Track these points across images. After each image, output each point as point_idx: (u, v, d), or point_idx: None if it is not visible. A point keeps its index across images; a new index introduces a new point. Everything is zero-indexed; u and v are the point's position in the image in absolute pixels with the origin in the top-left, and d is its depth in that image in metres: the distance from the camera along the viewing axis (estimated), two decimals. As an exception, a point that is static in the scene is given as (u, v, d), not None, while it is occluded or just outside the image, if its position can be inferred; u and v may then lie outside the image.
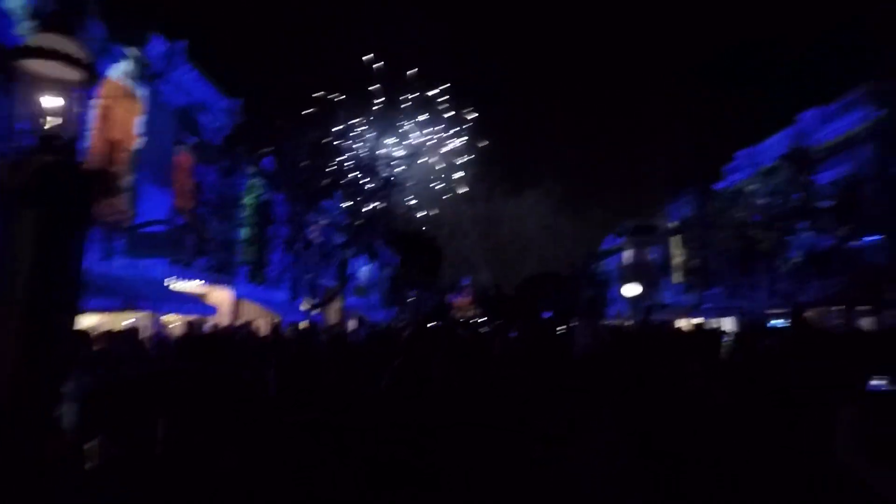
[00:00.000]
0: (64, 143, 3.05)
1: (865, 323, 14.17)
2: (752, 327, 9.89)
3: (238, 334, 9.33)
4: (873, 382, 2.08)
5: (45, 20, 3.16)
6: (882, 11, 19.32)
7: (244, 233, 16.81)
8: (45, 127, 2.89)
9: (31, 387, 2.38)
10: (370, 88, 16.45)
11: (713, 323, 22.85)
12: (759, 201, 19.06)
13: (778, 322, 16.94)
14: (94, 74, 3.42)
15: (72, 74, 3.16)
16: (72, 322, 2.74)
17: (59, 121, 2.99)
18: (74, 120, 3.13)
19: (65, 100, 3.07)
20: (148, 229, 11.91)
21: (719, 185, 26.23)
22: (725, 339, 6.79)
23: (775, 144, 23.68)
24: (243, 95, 18.62)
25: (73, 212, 2.81)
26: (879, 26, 19.36)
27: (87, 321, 9.97)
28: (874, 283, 15.12)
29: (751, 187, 20.12)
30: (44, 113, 2.99)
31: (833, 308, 16.76)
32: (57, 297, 2.64)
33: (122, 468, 2.92)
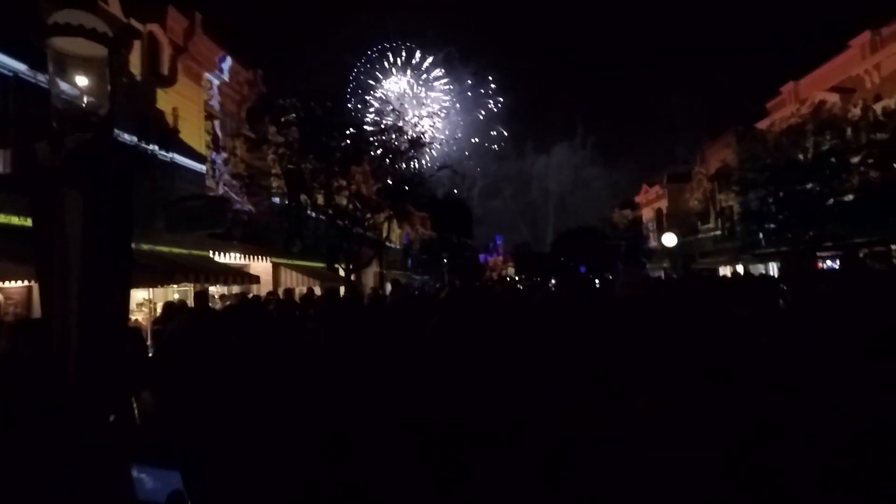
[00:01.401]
0: (98, 119, 3.05)
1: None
2: (802, 271, 9.49)
3: (280, 302, 9.56)
4: None
5: (66, -4, 3.11)
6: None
7: (278, 202, 17.03)
8: (78, 104, 2.88)
9: (93, 363, 2.45)
10: (393, 50, 16.01)
11: (759, 268, 22.12)
12: (808, 137, 17.93)
13: (830, 265, 16.24)
14: (118, 50, 3.39)
15: (98, 50, 3.13)
16: (126, 296, 2.80)
17: (91, 99, 2.98)
18: (105, 96, 3.12)
19: (94, 76, 3.06)
20: (185, 204, 12.17)
21: (763, 124, 24.83)
22: (774, 285, 6.53)
23: (824, 75, 22.09)
24: (263, 66, 18.51)
25: (115, 188, 2.83)
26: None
27: (137, 295, 10.39)
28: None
29: (798, 123, 18.91)
30: (75, 91, 2.98)
31: (892, 247, 15.89)
32: (110, 273, 2.70)
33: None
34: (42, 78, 8.69)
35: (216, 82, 16.51)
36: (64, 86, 3.02)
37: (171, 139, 13.81)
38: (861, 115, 18.10)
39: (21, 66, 9.11)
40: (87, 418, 2.16)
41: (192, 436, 2.84)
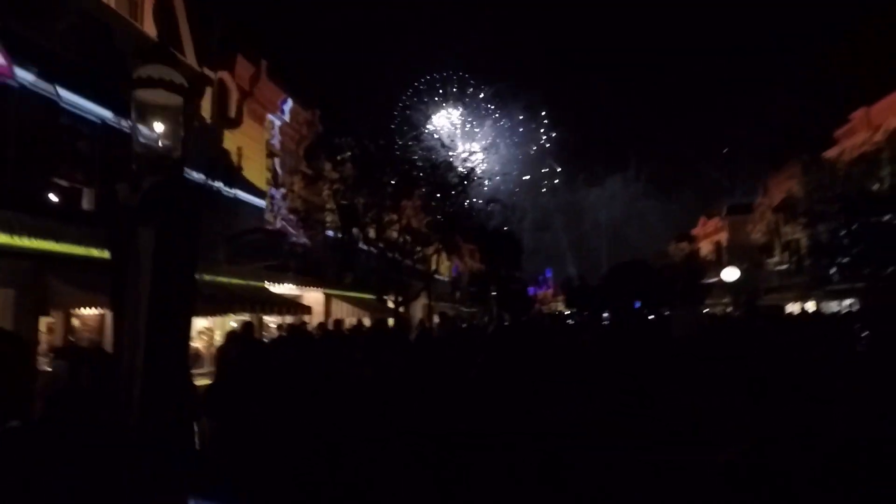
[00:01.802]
0: (172, 162, 3.30)
1: None
2: (883, 310, 8.78)
3: (331, 334, 9.76)
4: None
5: (149, 53, 3.43)
6: None
7: (332, 235, 17.60)
8: (155, 148, 3.13)
9: (159, 388, 2.58)
10: (444, 84, 16.49)
11: (832, 306, 20.60)
12: (884, 166, 16.84)
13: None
14: (192, 98, 3.68)
15: (174, 100, 3.43)
16: (188, 325, 2.95)
17: (167, 142, 3.24)
18: (179, 140, 3.39)
19: (170, 123, 3.33)
20: (245, 237, 12.77)
21: (831, 153, 23.56)
22: (851, 324, 6.06)
23: (899, 101, 20.82)
24: (321, 106, 19.51)
25: (184, 225, 3.04)
26: None
27: (197, 324, 10.88)
28: None
29: (871, 150, 17.83)
30: (153, 135, 3.25)
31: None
32: (175, 304, 2.87)
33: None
34: (125, 124, 9.52)
35: (278, 123, 17.51)
36: (144, 131, 3.31)
37: (235, 176, 14.67)
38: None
39: (107, 114, 10.03)
40: (151, 447, 2.26)
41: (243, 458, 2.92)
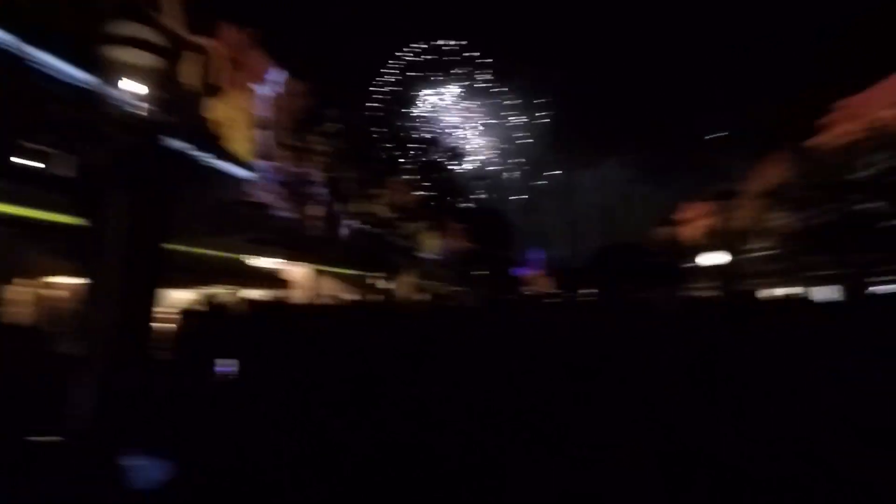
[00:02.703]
0: (147, 126, 3.20)
1: None
2: (858, 293, 8.97)
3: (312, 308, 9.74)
4: None
5: (123, 8, 3.29)
6: None
7: (316, 210, 17.41)
8: (128, 110, 3.03)
9: (130, 356, 2.55)
10: (438, 62, 16.24)
11: (812, 292, 21.01)
12: (865, 156, 17.03)
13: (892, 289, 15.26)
14: (170, 60, 3.55)
15: (150, 60, 3.31)
16: (159, 294, 2.90)
17: (140, 104, 3.14)
18: (154, 103, 3.28)
19: (144, 85, 3.22)
20: (229, 209, 12.58)
21: (815, 142, 23.73)
22: (829, 309, 6.19)
23: (883, 91, 20.96)
24: (311, 79, 19.09)
25: (158, 191, 2.96)
26: None
27: (174, 296, 10.76)
28: None
29: (853, 141, 17.99)
30: (127, 98, 3.14)
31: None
32: (148, 272, 2.81)
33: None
34: (98, 84, 9.20)
35: (265, 93, 17.13)
36: (116, 92, 3.20)
37: (218, 147, 14.38)
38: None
39: (78, 73, 9.66)
40: (107, 416, 2.24)
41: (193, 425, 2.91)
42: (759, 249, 30.77)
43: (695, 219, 41.29)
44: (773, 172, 26.09)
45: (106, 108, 3.10)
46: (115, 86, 3.14)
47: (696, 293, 29.61)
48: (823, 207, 18.12)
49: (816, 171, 18.55)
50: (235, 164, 15.16)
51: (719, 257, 29.63)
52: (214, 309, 6.06)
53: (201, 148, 13.57)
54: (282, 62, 17.57)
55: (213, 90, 14.42)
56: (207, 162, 13.86)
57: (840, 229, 17.53)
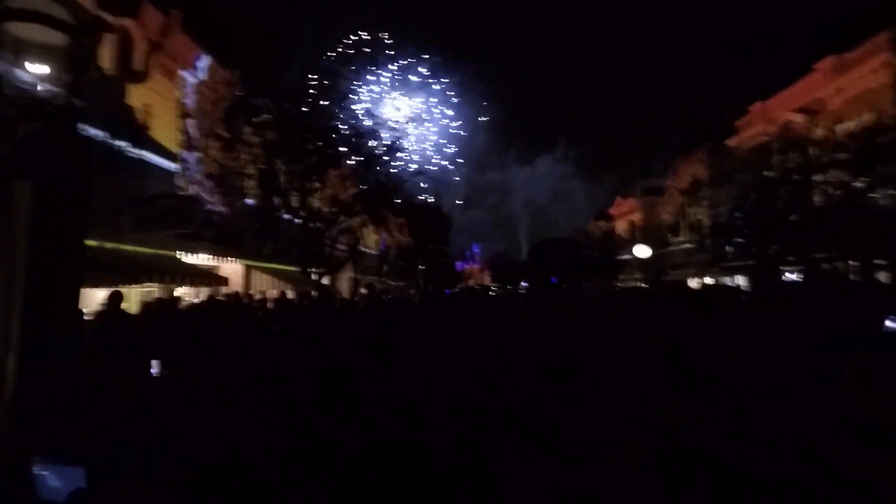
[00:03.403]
0: (56, 109, 2.95)
1: (881, 276, 13.95)
2: (768, 284, 9.76)
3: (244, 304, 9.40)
4: (889, 324, 2.09)
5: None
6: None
7: (251, 203, 16.75)
8: (34, 93, 2.78)
9: (37, 361, 2.35)
10: (376, 55, 16.07)
11: (727, 281, 22.66)
12: (774, 156, 18.55)
13: (794, 276, 16.74)
14: (80, 40, 3.29)
15: (58, 39, 3.04)
16: (76, 295, 2.69)
17: (48, 87, 2.89)
18: (64, 86, 3.02)
19: (53, 65, 2.96)
20: (154, 203, 11.87)
21: (732, 141, 25.57)
22: (742, 296, 6.69)
23: (790, 97, 22.92)
24: (242, 66, 18.26)
25: (69, 182, 2.73)
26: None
27: (101, 294, 10.06)
28: (891, 236, 14.79)
29: (765, 141, 19.55)
30: (33, 79, 2.88)
31: (849, 262, 16.50)
32: (58, 271, 2.59)
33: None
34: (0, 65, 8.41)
35: (192, 80, 16.22)
36: (21, 73, 2.92)
37: (141, 136, 13.48)
38: (824, 135, 18.81)
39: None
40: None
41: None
42: (681, 242, 32.81)
43: (626, 214, 43.36)
44: (695, 169, 27.88)
45: (9, 91, 2.83)
46: (21, 66, 2.86)
47: (627, 284, 31.09)
48: (736, 203, 19.59)
49: (734, 169, 19.99)
50: (160, 154, 14.28)
51: (646, 250, 31.30)
52: (113, 308, 5.69)
53: (121, 137, 12.68)
54: (211, 48, 16.70)
55: (134, 75, 13.49)
56: (129, 152, 12.97)
57: (753, 223, 19.02)
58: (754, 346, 3.10)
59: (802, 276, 17.52)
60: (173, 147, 15.06)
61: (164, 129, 14.68)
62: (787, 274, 17.12)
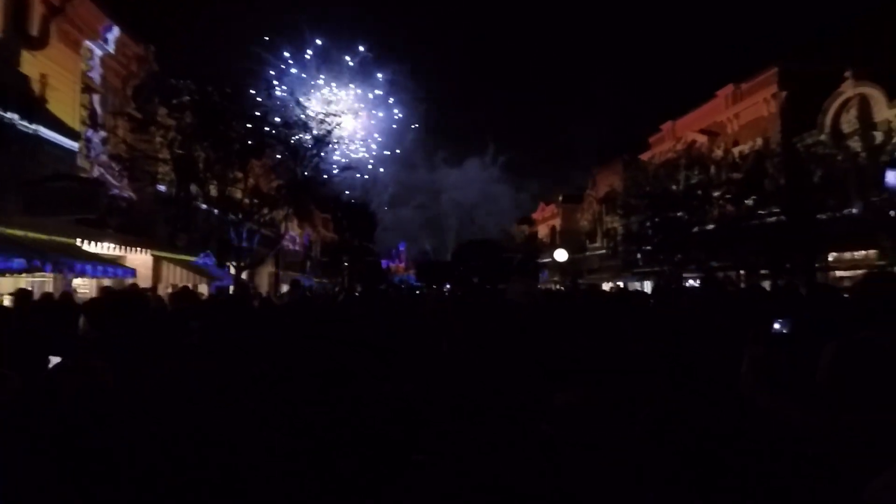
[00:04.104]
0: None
1: (766, 284, 15.60)
2: (670, 289, 10.63)
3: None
4: (775, 327, 2.46)
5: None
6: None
7: (164, 190, 15.66)
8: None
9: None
10: (304, 43, 15.59)
11: (636, 285, 24.34)
12: (680, 171, 20.19)
13: (693, 283, 18.32)
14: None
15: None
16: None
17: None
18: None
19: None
20: (52, 184, 10.82)
21: (645, 155, 27.50)
22: (645, 299, 7.24)
23: (696, 118, 25.06)
24: (157, 42, 17.02)
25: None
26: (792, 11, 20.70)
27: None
28: (774, 250, 16.64)
29: (673, 157, 21.23)
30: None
31: (740, 272, 18.33)
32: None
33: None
34: None
35: (99, 53, 14.87)
36: None
37: (36, 109, 12.16)
38: (722, 156, 20.76)
39: None
40: None
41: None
42: (597, 248, 34.79)
43: (548, 219, 45.22)
44: (611, 180, 29.69)
45: None
46: None
47: (545, 286, 32.44)
48: (647, 214, 21.12)
49: (644, 181, 21.52)
50: (59, 131, 12.96)
51: (564, 254, 32.85)
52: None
53: (11, 108, 11.39)
54: (121, 19, 15.41)
55: (31, 42, 12.17)
56: (21, 125, 11.67)
57: (658, 233, 20.59)
58: (663, 341, 3.39)
59: (700, 283, 19.22)
60: (76, 125, 13.73)
61: (65, 105, 13.34)
62: (689, 281, 18.69)
